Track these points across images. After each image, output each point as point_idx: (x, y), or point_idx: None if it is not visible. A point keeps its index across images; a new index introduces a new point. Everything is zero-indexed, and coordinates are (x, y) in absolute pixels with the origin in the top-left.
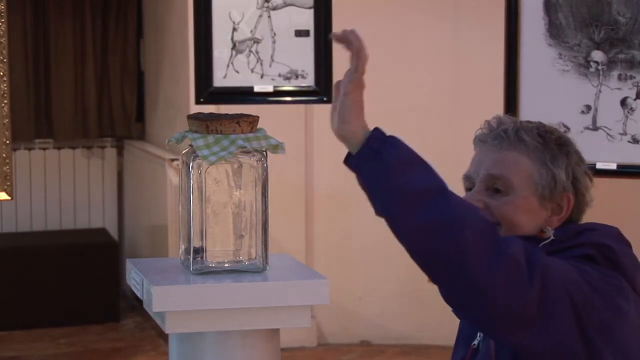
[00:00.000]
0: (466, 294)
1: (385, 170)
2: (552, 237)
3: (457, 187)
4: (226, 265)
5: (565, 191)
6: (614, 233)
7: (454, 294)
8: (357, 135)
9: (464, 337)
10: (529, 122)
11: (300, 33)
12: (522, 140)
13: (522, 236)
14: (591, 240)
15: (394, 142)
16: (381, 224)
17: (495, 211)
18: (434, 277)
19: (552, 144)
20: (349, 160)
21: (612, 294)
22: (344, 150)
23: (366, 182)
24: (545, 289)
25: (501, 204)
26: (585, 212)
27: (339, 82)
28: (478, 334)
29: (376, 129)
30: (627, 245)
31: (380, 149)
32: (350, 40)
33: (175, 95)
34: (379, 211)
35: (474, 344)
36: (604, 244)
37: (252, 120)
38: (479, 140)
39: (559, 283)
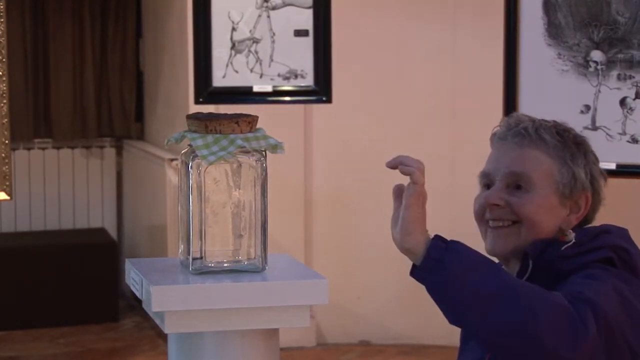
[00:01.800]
0: None
1: (450, 279)
2: (573, 240)
3: (457, 186)
4: (225, 265)
5: (584, 190)
6: (626, 235)
7: None
8: (420, 246)
9: None
10: (545, 120)
11: (300, 33)
12: (542, 138)
13: (544, 240)
14: (609, 243)
15: (455, 249)
16: (380, 224)
17: (516, 209)
18: None
19: (571, 142)
20: (415, 273)
21: (636, 303)
22: (343, 151)
23: (434, 293)
24: (607, 339)
25: (523, 201)
26: (598, 211)
27: (398, 189)
28: None
29: (437, 238)
30: (637, 246)
31: (442, 258)
32: (403, 162)
33: (175, 95)
34: (452, 320)
35: None
36: (621, 246)
37: (251, 120)
38: (498, 138)
39: (614, 325)
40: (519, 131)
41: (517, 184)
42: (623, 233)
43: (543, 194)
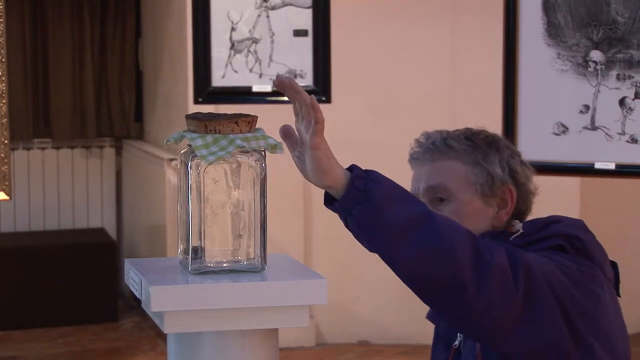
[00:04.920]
0: (463, 312)
1: (375, 209)
2: (521, 231)
3: None
4: (225, 265)
5: (504, 184)
6: (580, 224)
7: (451, 314)
8: (340, 179)
9: (442, 339)
10: (456, 130)
11: (299, 33)
12: (450, 147)
13: (492, 232)
14: (560, 231)
15: (375, 177)
16: None
17: None
18: (430, 301)
19: (481, 143)
20: (334, 204)
21: (588, 282)
22: (342, 151)
23: (357, 224)
24: (529, 288)
25: (446, 214)
26: (532, 202)
27: (287, 129)
28: (458, 335)
29: (355, 168)
30: (593, 235)
31: (365, 188)
32: (297, 89)
33: (174, 95)
34: (373, 249)
35: (455, 345)
36: (573, 235)
37: (251, 120)
38: (413, 159)
39: (541, 279)
40: (429, 147)
41: (438, 197)
42: (575, 223)
43: (464, 200)
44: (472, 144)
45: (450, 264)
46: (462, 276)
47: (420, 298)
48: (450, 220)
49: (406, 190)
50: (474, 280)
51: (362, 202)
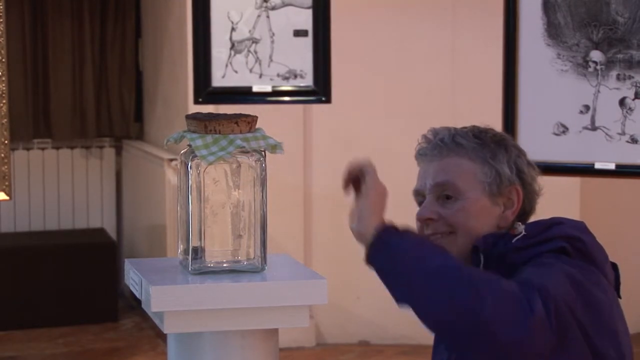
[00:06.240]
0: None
1: (398, 258)
2: (523, 233)
3: None
4: (225, 265)
5: (511, 184)
6: (581, 226)
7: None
8: (370, 230)
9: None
10: (464, 127)
11: (299, 33)
12: (459, 144)
13: (495, 234)
14: (562, 233)
15: (405, 233)
16: None
17: (449, 220)
18: (459, 348)
19: (489, 141)
20: (366, 258)
21: (594, 290)
22: (343, 151)
23: (382, 273)
24: (558, 321)
25: (453, 212)
26: (537, 202)
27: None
28: None
29: (389, 224)
30: (594, 237)
31: (389, 239)
32: (354, 169)
33: (174, 95)
34: (400, 299)
35: None
36: (574, 236)
37: (251, 120)
38: (420, 155)
39: (563, 307)
40: (437, 143)
41: (445, 193)
42: (577, 224)
43: (472, 198)
44: (480, 142)
45: (479, 315)
46: (494, 327)
47: (447, 343)
48: (479, 271)
49: (434, 244)
50: (511, 329)
51: (384, 250)
